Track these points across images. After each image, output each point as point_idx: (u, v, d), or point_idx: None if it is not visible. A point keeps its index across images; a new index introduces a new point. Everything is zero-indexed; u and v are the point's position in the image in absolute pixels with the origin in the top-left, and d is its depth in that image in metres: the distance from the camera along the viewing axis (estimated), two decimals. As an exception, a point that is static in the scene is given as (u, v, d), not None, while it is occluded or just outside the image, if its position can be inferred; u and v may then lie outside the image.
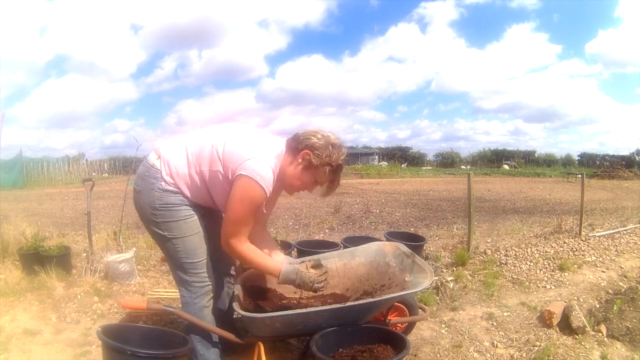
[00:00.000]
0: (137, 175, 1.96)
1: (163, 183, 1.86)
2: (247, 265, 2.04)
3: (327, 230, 6.09)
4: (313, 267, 2.07)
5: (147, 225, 1.98)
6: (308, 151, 1.84)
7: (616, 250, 4.42)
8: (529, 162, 46.17)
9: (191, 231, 1.94)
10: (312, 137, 1.85)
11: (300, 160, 1.86)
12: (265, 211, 1.98)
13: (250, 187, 1.76)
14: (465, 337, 2.80)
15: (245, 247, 1.88)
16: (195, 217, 1.95)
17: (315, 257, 2.38)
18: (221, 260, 2.18)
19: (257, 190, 1.76)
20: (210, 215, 2.06)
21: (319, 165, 1.85)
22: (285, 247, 3.73)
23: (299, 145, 1.86)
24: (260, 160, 1.79)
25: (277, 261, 2.03)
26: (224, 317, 2.21)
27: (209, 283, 2.02)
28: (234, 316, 2.27)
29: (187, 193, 1.90)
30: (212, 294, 2.05)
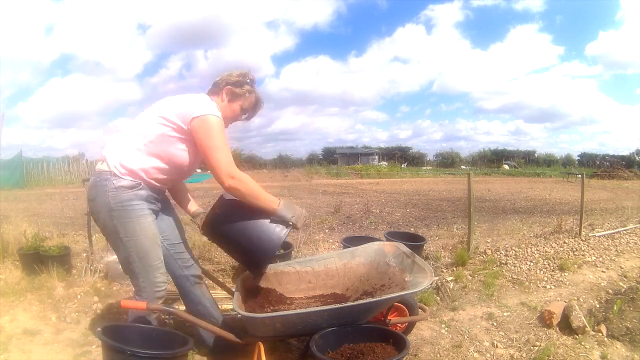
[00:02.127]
0: (89, 187, 1.98)
1: (115, 180, 1.88)
2: (248, 195, 1.95)
3: (327, 230, 6.08)
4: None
5: (106, 230, 1.97)
6: (229, 87, 2.12)
7: (616, 250, 4.42)
8: (529, 162, 46.21)
9: (145, 233, 1.93)
10: (227, 77, 2.14)
11: (224, 96, 2.13)
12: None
13: (209, 121, 1.91)
14: (465, 337, 2.80)
15: (245, 176, 1.94)
16: (150, 217, 1.97)
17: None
18: (183, 259, 2.24)
19: (215, 119, 1.93)
20: (167, 211, 2.19)
21: (242, 93, 2.14)
22: (286, 247, 3.73)
23: (218, 86, 2.14)
24: (201, 101, 2.00)
25: (273, 197, 2.06)
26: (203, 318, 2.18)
27: (162, 288, 2.01)
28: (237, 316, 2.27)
29: (144, 176, 1.93)
30: (163, 299, 2.05)
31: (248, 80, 2.16)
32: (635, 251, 4.42)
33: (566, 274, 3.78)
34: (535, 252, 4.30)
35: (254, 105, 2.22)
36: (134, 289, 2.05)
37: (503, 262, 4.06)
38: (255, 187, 1.96)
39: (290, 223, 2.03)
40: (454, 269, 3.94)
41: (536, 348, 2.59)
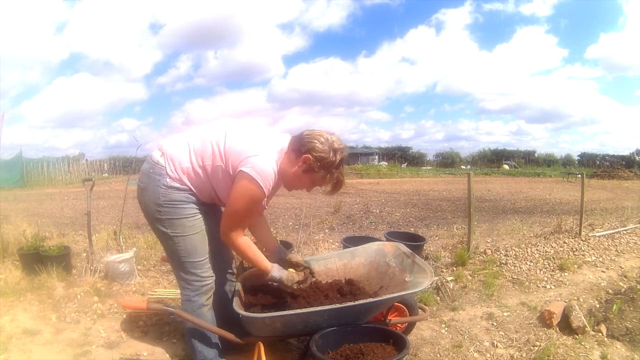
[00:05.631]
0: (142, 172, 1.97)
1: (168, 179, 1.87)
2: (241, 257, 2.10)
3: (327, 230, 6.08)
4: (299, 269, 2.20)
5: (151, 222, 1.99)
6: (309, 156, 1.84)
7: (616, 250, 4.42)
8: (529, 162, 46.23)
9: (193, 230, 1.94)
10: (316, 141, 1.84)
11: (301, 164, 1.86)
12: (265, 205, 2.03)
13: (250, 186, 1.78)
14: (465, 337, 2.80)
15: (242, 241, 1.93)
16: (199, 215, 1.96)
17: (309, 259, 2.46)
18: (223, 259, 2.20)
19: (257, 189, 1.79)
20: (214, 213, 2.07)
21: (320, 169, 1.86)
22: (286, 247, 3.73)
23: (302, 147, 1.85)
24: (263, 158, 1.80)
25: (268, 262, 2.05)
26: (225, 315, 2.17)
27: (209, 282, 2.03)
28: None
29: (192, 188, 1.91)
30: (211, 293, 2.06)
31: (337, 162, 1.86)
32: (635, 251, 4.42)
33: (566, 274, 3.78)
34: (535, 252, 4.30)
35: (330, 187, 1.97)
36: (178, 282, 2.07)
37: (503, 262, 4.06)
38: (250, 255, 1.97)
39: (282, 280, 2.07)
40: (454, 269, 3.94)
41: (536, 348, 2.59)
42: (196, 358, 2.08)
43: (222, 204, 2.00)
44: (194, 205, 1.93)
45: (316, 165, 1.84)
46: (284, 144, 1.92)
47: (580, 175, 7.31)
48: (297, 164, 1.87)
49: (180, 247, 1.94)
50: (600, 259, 4.18)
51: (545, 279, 3.72)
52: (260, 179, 1.77)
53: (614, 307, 2.93)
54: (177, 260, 1.99)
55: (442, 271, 3.91)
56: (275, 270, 2.05)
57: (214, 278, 2.06)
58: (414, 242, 3.79)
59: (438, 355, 2.57)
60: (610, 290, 3.44)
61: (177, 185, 1.88)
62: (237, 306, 1.95)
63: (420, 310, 2.47)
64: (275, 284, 2.27)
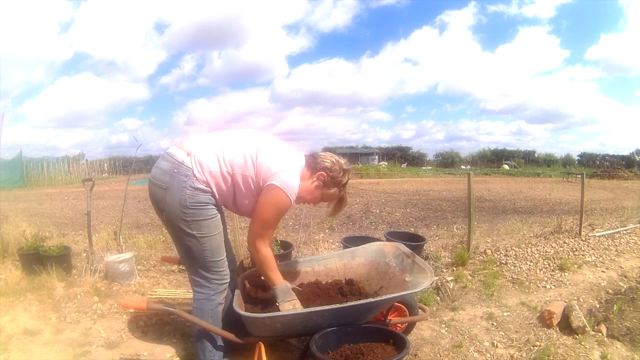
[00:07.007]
0: (163, 171, 1.95)
1: (195, 181, 1.90)
2: (257, 268, 2.13)
3: (327, 230, 6.08)
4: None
5: (173, 222, 1.97)
6: (324, 173, 2.08)
7: (616, 250, 4.43)
8: (529, 162, 46.26)
9: (217, 230, 2.02)
10: (327, 161, 2.10)
11: (315, 179, 2.09)
12: None
13: (280, 196, 1.93)
14: (465, 337, 2.80)
15: (266, 252, 2.03)
16: (219, 215, 2.04)
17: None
18: (230, 258, 2.23)
19: (286, 199, 1.94)
20: (222, 214, 2.13)
21: (331, 185, 2.10)
22: (286, 247, 3.73)
23: (317, 165, 2.09)
24: (290, 173, 1.97)
25: (281, 278, 2.10)
26: (226, 315, 2.18)
27: (227, 280, 2.10)
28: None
29: (215, 192, 1.97)
30: (227, 292, 2.12)
31: (345, 181, 2.14)
32: (635, 251, 4.43)
33: (566, 274, 3.78)
34: (535, 252, 4.30)
35: (335, 204, 2.20)
36: (194, 282, 2.08)
37: (503, 262, 4.06)
38: (266, 267, 2.04)
39: (277, 303, 2.04)
40: (454, 269, 3.94)
41: (536, 348, 2.60)
42: (205, 358, 2.09)
43: (232, 210, 2.11)
44: (214, 207, 2.00)
45: (329, 181, 2.08)
46: (302, 162, 2.10)
47: (580, 175, 7.32)
48: (311, 179, 2.09)
49: (206, 248, 1.99)
50: (600, 259, 4.18)
51: (545, 279, 3.72)
52: (288, 191, 1.93)
53: (614, 307, 2.93)
54: (200, 260, 2.01)
55: (442, 271, 3.91)
56: (280, 290, 2.05)
57: (229, 276, 2.12)
58: (414, 242, 3.79)
59: (438, 355, 2.57)
60: (610, 290, 3.44)
61: (203, 187, 1.92)
62: (237, 306, 1.95)
63: (420, 310, 2.48)
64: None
